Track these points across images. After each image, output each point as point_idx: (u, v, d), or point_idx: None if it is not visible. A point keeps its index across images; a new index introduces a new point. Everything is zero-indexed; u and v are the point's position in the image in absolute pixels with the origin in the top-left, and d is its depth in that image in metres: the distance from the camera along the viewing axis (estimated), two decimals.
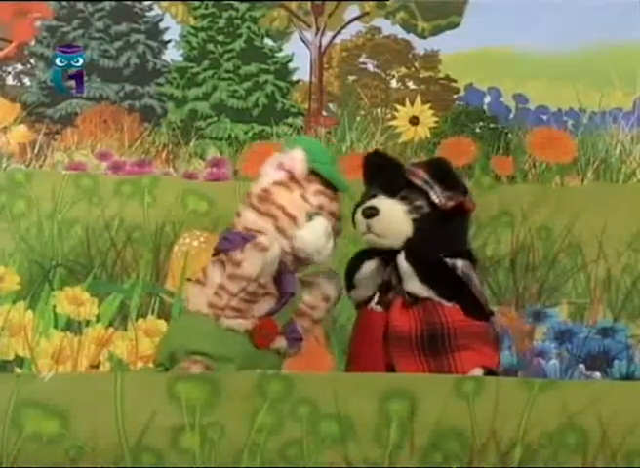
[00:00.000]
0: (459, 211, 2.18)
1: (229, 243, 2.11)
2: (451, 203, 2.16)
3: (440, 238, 2.19)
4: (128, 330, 2.83)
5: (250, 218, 2.12)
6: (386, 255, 2.18)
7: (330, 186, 2.15)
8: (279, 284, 2.13)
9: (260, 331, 2.10)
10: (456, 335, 2.16)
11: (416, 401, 1.98)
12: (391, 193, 2.17)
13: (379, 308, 2.19)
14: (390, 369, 2.14)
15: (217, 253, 2.15)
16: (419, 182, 2.17)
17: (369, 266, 2.19)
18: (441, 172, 2.20)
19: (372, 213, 2.15)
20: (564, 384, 2.10)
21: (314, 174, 2.14)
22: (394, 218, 2.16)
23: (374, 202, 2.17)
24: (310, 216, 2.11)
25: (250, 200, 2.14)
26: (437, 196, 2.16)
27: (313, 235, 2.10)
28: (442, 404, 1.98)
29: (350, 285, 2.22)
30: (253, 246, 2.07)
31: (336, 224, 2.15)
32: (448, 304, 2.17)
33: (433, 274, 2.17)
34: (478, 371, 2.19)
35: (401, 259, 2.16)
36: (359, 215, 2.17)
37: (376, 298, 2.19)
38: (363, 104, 7.17)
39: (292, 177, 2.12)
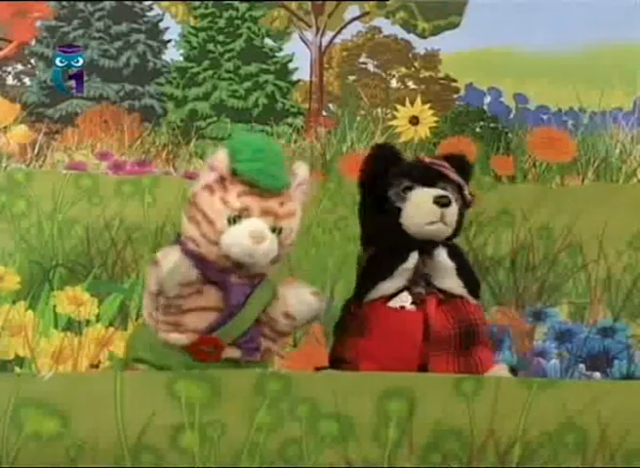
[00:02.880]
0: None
1: None
2: (471, 198, 2.17)
3: (459, 233, 2.18)
4: (128, 329, 2.84)
5: (183, 225, 2.05)
6: (424, 248, 2.12)
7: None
8: (224, 298, 2.03)
9: (198, 348, 2.02)
10: (481, 333, 2.16)
11: (415, 400, 1.98)
12: (430, 185, 2.13)
13: (413, 308, 2.12)
14: (422, 370, 2.10)
15: None
16: (454, 176, 2.16)
17: (414, 257, 2.11)
18: (467, 168, 2.21)
19: (448, 201, 2.10)
20: (563, 384, 2.10)
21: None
22: (455, 209, 2.13)
23: (439, 191, 2.11)
24: (234, 220, 2.00)
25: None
26: (468, 191, 2.17)
27: (233, 240, 1.99)
28: (441, 403, 1.98)
29: (384, 275, 2.12)
30: (151, 262, 2.00)
31: (280, 221, 2.02)
32: (473, 302, 2.16)
33: (469, 270, 2.16)
34: (504, 369, 2.18)
35: (443, 254, 2.13)
36: (430, 204, 2.09)
37: (408, 297, 2.12)
38: (363, 104, 7.17)
39: (220, 179, 2.03)
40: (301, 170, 2.10)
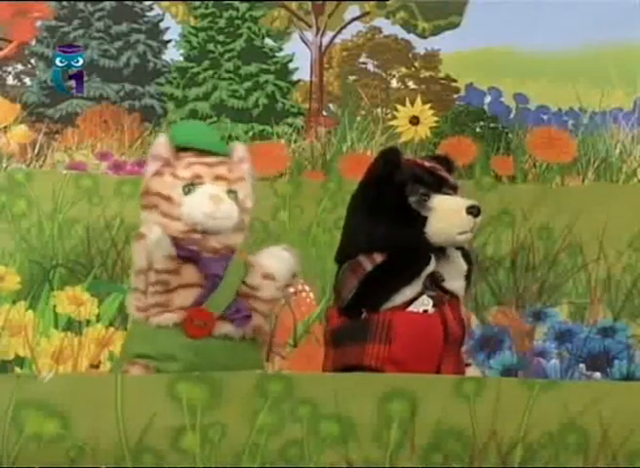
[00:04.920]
0: None
1: None
2: None
3: None
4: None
5: (143, 218, 2.11)
6: (436, 253, 2.12)
7: (211, 154, 2.11)
8: (201, 271, 2.08)
9: (192, 322, 2.06)
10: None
11: (416, 401, 1.98)
12: (438, 190, 2.13)
13: (434, 311, 2.11)
14: (437, 372, 2.10)
15: None
16: (453, 180, 2.17)
17: (434, 261, 2.11)
18: (453, 169, 2.21)
19: (479, 211, 2.10)
20: (565, 384, 2.10)
21: (186, 149, 2.11)
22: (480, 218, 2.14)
23: (467, 200, 2.12)
24: (188, 189, 2.07)
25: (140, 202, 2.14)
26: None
27: (193, 204, 2.06)
28: (443, 404, 1.98)
29: (406, 281, 2.10)
30: (134, 238, 2.06)
31: (233, 185, 2.10)
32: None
33: (471, 273, 2.17)
34: (476, 370, 2.20)
35: (459, 255, 2.14)
36: (463, 214, 2.09)
37: (429, 300, 2.11)
38: (363, 104, 7.17)
39: (164, 163, 2.10)
40: (240, 147, 2.17)
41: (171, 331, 2.06)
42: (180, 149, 2.11)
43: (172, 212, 2.07)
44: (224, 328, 2.08)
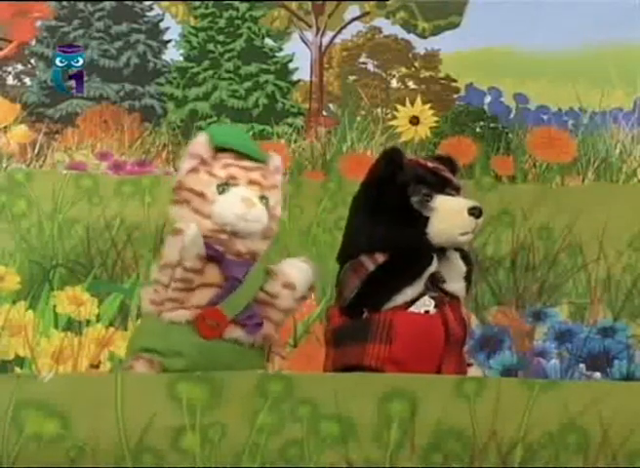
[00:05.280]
0: None
1: None
2: None
3: None
4: (128, 329, 2.84)
5: (172, 212, 2.13)
6: (437, 254, 2.12)
7: (248, 158, 2.12)
8: (223, 273, 2.08)
9: (204, 321, 2.06)
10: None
11: (416, 401, 1.98)
12: (441, 191, 2.13)
13: (435, 311, 2.11)
14: (438, 372, 2.10)
15: None
16: (456, 181, 2.17)
17: (436, 261, 2.11)
18: (456, 169, 2.20)
19: (481, 212, 2.10)
20: (565, 384, 2.09)
21: (224, 151, 2.12)
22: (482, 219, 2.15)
23: (469, 201, 2.12)
24: (222, 189, 2.08)
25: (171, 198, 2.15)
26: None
27: (226, 204, 2.07)
28: (443, 404, 1.98)
29: (409, 281, 2.10)
30: (170, 233, 2.07)
31: (266, 191, 2.11)
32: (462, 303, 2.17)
33: (471, 276, 2.17)
34: (478, 370, 2.20)
35: (458, 257, 2.14)
36: (465, 215, 2.09)
37: (430, 301, 2.11)
38: (363, 104, 7.17)
39: (201, 161, 2.11)
40: (276, 157, 2.19)
41: (182, 327, 2.06)
42: (219, 150, 2.12)
43: (203, 209, 2.08)
44: (235, 332, 2.08)
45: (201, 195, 2.09)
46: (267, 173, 2.14)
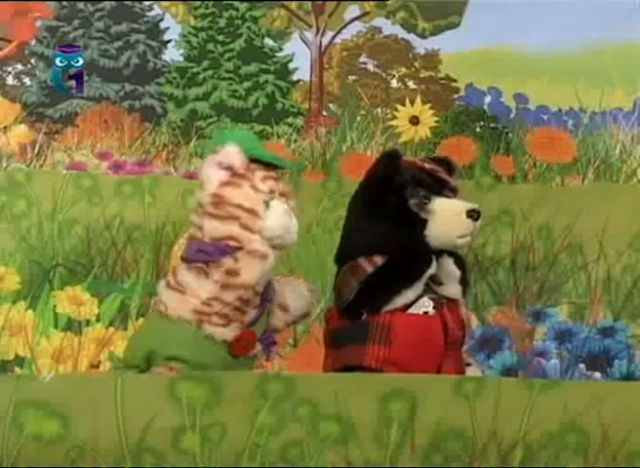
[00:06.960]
0: None
1: (205, 254, 2.09)
2: None
3: None
4: (128, 329, 2.84)
5: (213, 227, 2.10)
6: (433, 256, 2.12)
7: (271, 168, 2.14)
8: (265, 291, 2.12)
9: (240, 343, 2.09)
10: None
11: (416, 401, 1.98)
12: (438, 193, 2.14)
13: (434, 313, 2.12)
14: (438, 372, 2.11)
15: (187, 262, 2.13)
16: (453, 182, 2.17)
17: (435, 265, 2.12)
18: (454, 171, 2.21)
19: (479, 215, 2.12)
20: (565, 384, 2.09)
21: (252, 161, 2.13)
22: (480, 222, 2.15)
23: (467, 203, 2.12)
24: (267, 203, 2.10)
25: (205, 209, 2.11)
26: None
27: (278, 219, 2.09)
28: (443, 404, 1.98)
29: (408, 283, 2.11)
30: (249, 254, 2.06)
31: (289, 202, 2.14)
32: (462, 303, 2.18)
33: (467, 280, 2.17)
34: (477, 368, 2.20)
35: (451, 262, 2.14)
36: (463, 218, 2.10)
37: (430, 302, 2.12)
38: (363, 104, 7.17)
39: (234, 173, 2.11)
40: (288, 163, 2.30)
41: (216, 344, 2.09)
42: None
43: (253, 225, 2.09)
44: (256, 350, 2.14)
45: (251, 211, 2.09)
46: (284, 181, 2.17)
